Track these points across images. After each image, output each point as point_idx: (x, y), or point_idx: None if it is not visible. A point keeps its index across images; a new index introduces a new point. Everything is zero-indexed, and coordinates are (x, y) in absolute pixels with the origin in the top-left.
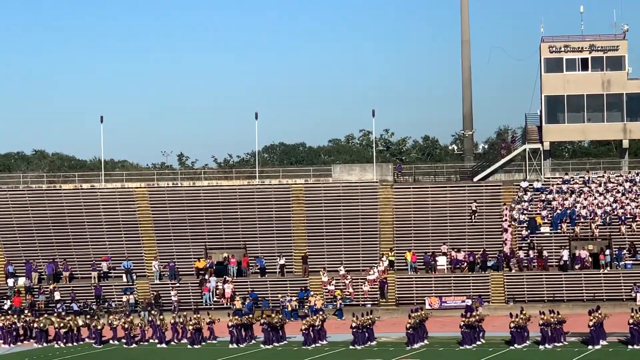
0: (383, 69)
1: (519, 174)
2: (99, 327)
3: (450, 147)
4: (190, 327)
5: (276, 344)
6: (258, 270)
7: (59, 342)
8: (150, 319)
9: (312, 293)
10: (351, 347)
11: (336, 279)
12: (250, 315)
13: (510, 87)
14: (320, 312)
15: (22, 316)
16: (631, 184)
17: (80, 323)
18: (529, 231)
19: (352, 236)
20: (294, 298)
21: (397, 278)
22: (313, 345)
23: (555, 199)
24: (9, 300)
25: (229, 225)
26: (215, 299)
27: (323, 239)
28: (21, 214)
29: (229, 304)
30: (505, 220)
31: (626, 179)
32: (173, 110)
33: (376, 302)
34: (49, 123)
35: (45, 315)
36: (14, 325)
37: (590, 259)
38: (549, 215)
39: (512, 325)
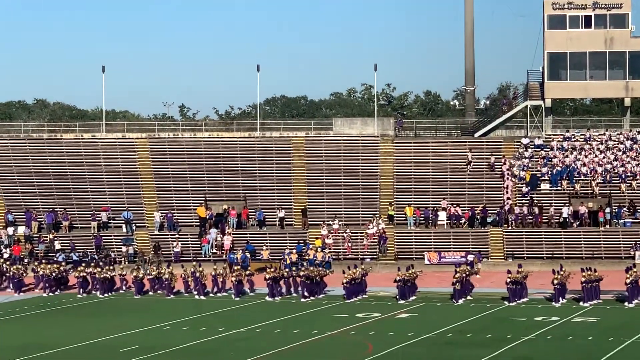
0: (386, 23)
1: (520, 130)
2: (139, 276)
3: (451, 103)
4: (230, 279)
5: (313, 297)
6: (257, 223)
7: (97, 292)
8: (192, 270)
9: (311, 246)
10: (347, 301)
11: (331, 233)
12: (288, 270)
13: (513, 43)
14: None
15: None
16: (632, 142)
17: (115, 273)
18: (529, 188)
19: (352, 190)
20: (294, 251)
21: (397, 233)
22: (354, 299)
23: (555, 156)
24: (8, 249)
25: (229, 178)
26: (214, 250)
27: (323, 193)
28: (22, 163)
29: (226, 255)
30: (506, 176)
31: (627, 137)
32: (175, 62)
33: (375, 257)
34: (50, 72)
35: (84, 265)
36: (53, 274)
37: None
38: (549, 172)
39: (507, 280)
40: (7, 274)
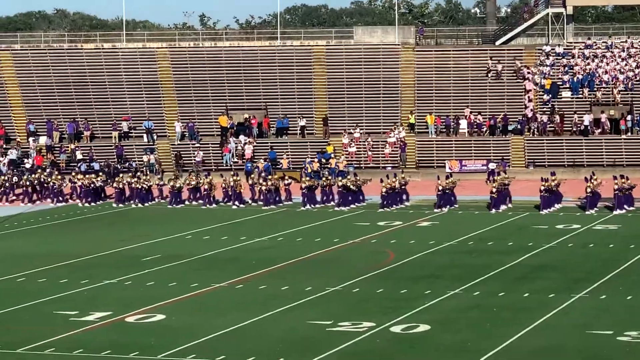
0: None
1: (542, 38)
2: (177, 186)
3: (472, 11)
4: (264, 188)
5: (353, 205)
6: (275, 132)
7: (134, 201)
8: (232, 179)
9: (333, 155)
10: (337, 208)
11: (352, 142)
12: (324, 179)
13: None
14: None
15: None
16: None
17: (151, 183)
18: (550, 96)
19: (373, 98)
20: (315, 160)
21: (418, 141)
22: (394, 207)
23: (577, 64)
24: (30, 159)
25: (250, 86)
26: (235, 159)
27: (344, 101)
28: (42, 73)
29: (247, 164)
30: (527, 84)
31: None
32: None
33: (396, 165)
34: None
35: (121, 175)
36: (92, 185)
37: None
38: (571, 80)
39: (541, 188)
40: (46, 185)
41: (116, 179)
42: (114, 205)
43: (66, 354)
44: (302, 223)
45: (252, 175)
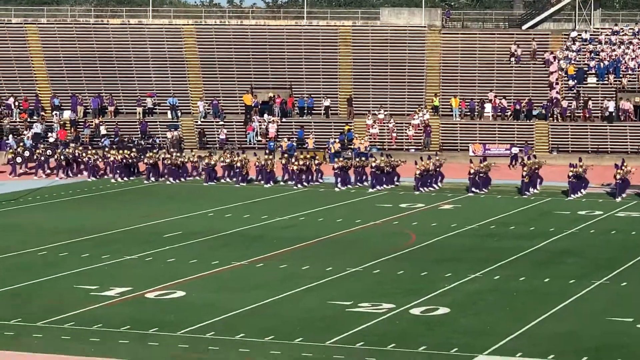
0: None
1: (568, 23)
2: (211, 163)
3: None
4: (295, 168)
5: (383, 187)
6: (298, 111)
7: (168, 177)
8: (265, 158)
9: (356, 136)
10: (371, 189)
11: (376, 123)
12: (358, 160)
13: None
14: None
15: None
16: None
17: (185, 159)
18: (575, 81)
19: (398, 80)
20: (337, 140)
21: (442, 124)
22: (424, 189)
23: (603, 50)
24: (54, 133)
25: (275, 65)
26: (259, 138)
27: (369, 82)
28: (68, 48)
29: (270, 143)
30: (552, 69)
31: None
32: None
33: (420, 148)
34: None
35: (155, 151)
36: (124, 160)
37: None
38: (597, 66)
39: (569, 174)
40: (81, 159)
41: (148, 154)
42: (146, 181)
43: (86, 328)
44: (324, 203)
45: (285, 155)
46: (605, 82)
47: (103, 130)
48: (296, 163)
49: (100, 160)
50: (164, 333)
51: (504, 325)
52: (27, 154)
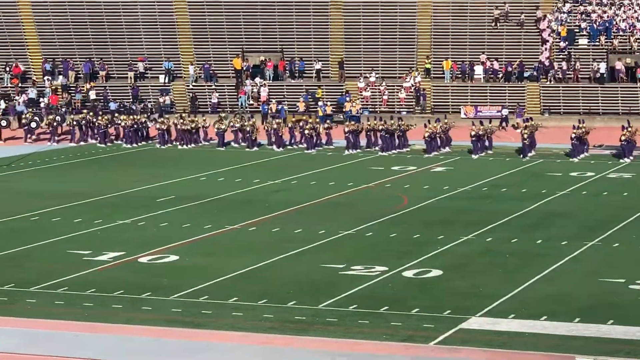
0: None
1: None
2: (222, 128)
3: None
4: (307, 132)
5: (393, 151)
6: (289, 74)
7: (180, 142)
8: (275, 122)
9: (348, 99)
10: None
11: (368, 86)
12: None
13: None
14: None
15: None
16: None
17: (199, 125)
18: (566, 43)
19: (389, 43)
20: (329, 103)
21: (433, 86)
22: (433, 154)
23: (594, 11)
24: (46, 98)
25: (266, 29)
26: (250, 102)
27: (360, 45)
28: (58, 13)
29: (262, 106)
30: (543, 31)
31: None
32: None
33: (411, 110)
34: None
35: (167, 116)
36: (135, 125)
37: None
38: (588, 27)
39: (571, 135)
40: (92, 125)
41: (159, 119)
42: (157, 146)
43: (79, 293)
44: (316, 166)
45: (294, 119)
46: (597, 43)
47: (93, 95)
48: (307, 127)
49: (110, 125)
50: (157, 297)
51: (496, 287)
52: (36, 119)
